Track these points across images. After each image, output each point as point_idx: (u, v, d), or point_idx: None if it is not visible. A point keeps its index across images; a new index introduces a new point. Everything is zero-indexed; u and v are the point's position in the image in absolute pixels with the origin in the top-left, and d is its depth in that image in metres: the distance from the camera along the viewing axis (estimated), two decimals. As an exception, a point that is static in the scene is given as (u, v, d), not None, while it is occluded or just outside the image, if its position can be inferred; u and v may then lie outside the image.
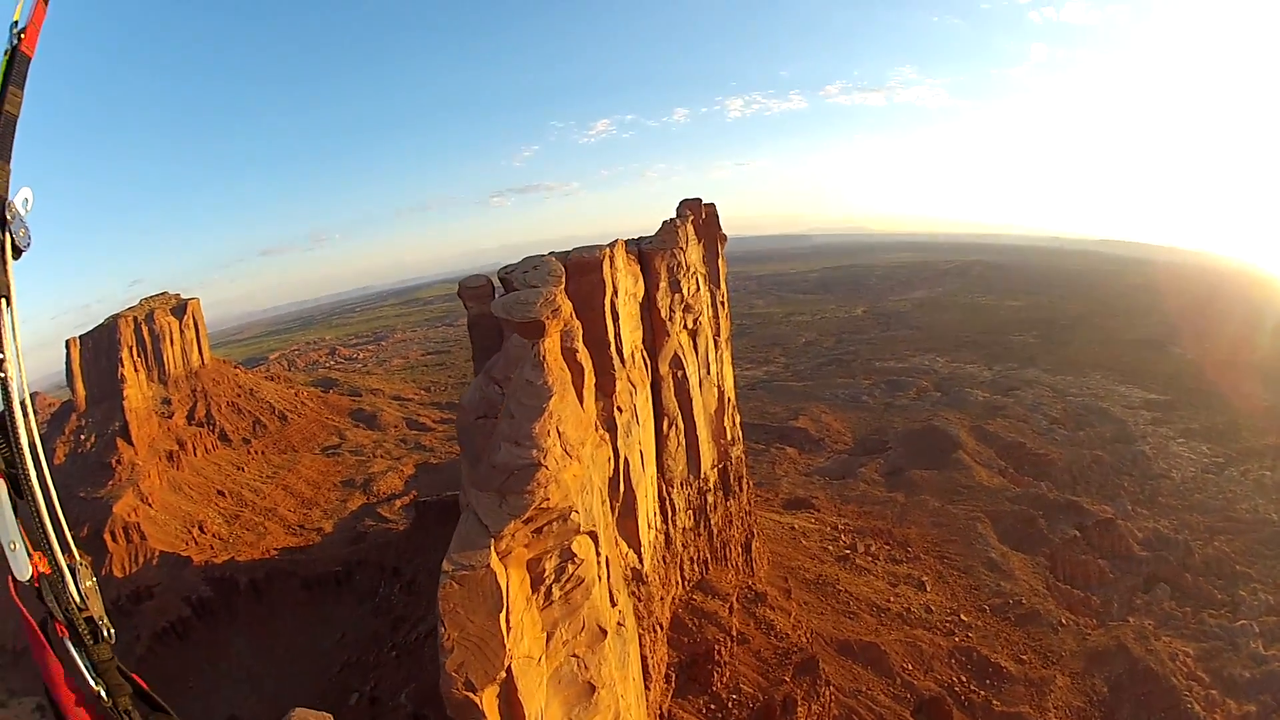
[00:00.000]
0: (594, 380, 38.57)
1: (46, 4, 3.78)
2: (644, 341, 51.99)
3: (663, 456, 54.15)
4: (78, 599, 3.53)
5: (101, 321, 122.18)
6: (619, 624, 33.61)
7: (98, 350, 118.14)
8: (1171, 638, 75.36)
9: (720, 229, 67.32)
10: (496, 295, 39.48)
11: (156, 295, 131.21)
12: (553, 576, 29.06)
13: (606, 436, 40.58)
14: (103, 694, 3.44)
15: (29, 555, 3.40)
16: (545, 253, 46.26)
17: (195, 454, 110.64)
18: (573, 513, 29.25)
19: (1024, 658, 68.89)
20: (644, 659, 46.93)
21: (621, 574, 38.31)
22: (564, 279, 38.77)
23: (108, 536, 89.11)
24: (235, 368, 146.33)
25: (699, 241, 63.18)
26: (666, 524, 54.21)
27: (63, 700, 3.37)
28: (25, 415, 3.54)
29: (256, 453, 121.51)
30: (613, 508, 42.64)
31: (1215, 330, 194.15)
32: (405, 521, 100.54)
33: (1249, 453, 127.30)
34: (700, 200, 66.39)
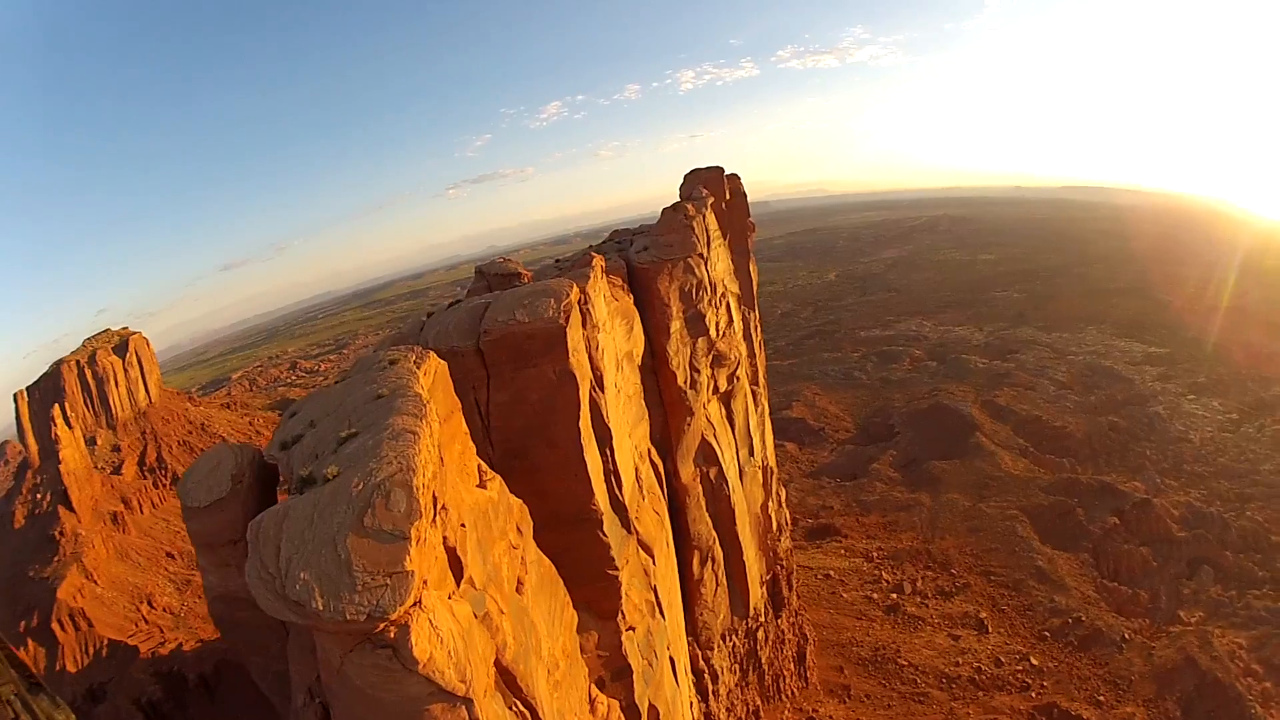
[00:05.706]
0: (570, 618, 16.84)
1: None
2: (652, 434, 28.71)
3: (694, 611, 31.89)
4: None
5: (46, 369, 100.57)
6: None
7: (45, 400, 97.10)
8: (1224, 629, 66.31)
9: (749, 213, 42.75)
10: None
11: (99, 334, 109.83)
12: None
13: (614, 705, 18.90)
14: None
15: None
16: (493, 257, 24.42)
17: (142, 511, 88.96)
18: None
19: (1100, 697, 58.34)
20: None
21: None
22: (432, 427, 13.46)
23: (55, 626, 72.22)
24: (187, 400, 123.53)
25: (724, 238, 37.42)
26: (705, 700, 32.77)
27: None
28: None
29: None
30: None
31: (1186, 274, 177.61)
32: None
33: (1260, 406, 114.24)
34: (721, 170, 41.23)
